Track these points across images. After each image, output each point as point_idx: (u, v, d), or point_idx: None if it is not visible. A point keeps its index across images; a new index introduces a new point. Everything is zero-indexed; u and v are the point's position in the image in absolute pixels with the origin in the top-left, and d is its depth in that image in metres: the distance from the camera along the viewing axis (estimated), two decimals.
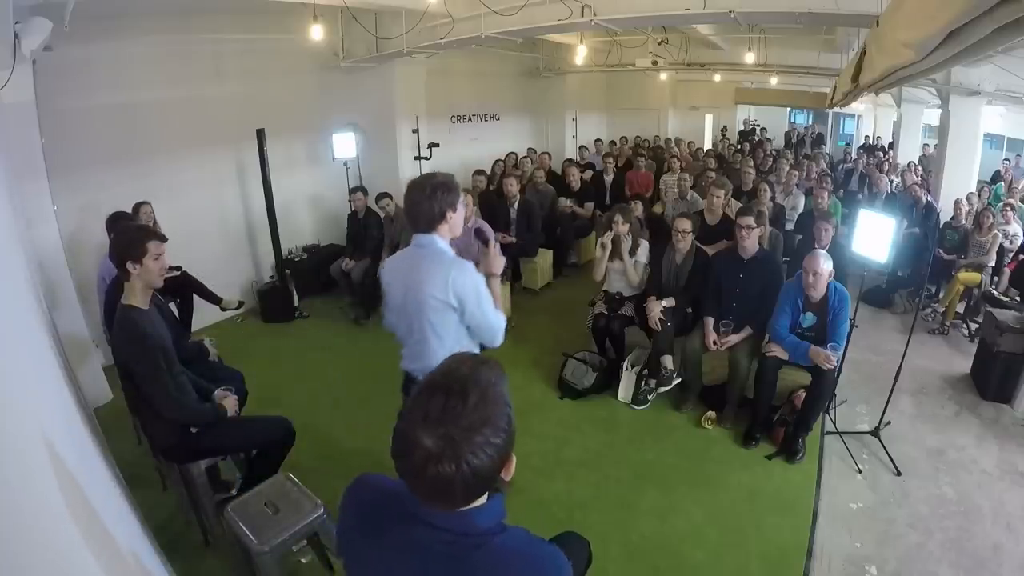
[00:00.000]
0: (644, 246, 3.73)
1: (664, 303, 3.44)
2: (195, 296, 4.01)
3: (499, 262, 1.95)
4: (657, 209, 6.10)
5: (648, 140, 11.21)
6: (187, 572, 2.20)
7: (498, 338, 1.89)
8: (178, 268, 3.70)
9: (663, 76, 10.58)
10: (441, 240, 1.83)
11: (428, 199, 1.77)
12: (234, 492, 2.42)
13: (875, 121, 14.65)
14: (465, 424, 0.76)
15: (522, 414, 3.20)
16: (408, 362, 2.00)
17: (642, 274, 3.70)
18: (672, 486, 2.79)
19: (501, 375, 0.85)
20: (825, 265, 2.89)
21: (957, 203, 5.42)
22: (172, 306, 3.53)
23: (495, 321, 1.85)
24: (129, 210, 3.57)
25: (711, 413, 3.29)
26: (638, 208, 4.84)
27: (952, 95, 6.10)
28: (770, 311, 3.13)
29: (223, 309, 4.10)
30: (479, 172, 6.00)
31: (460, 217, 1.86)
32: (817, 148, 11.85)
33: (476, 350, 1.91)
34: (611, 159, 7.36)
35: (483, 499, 0.86)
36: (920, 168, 8.09)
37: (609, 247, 3.67)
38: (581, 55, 6.58)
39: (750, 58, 6.90)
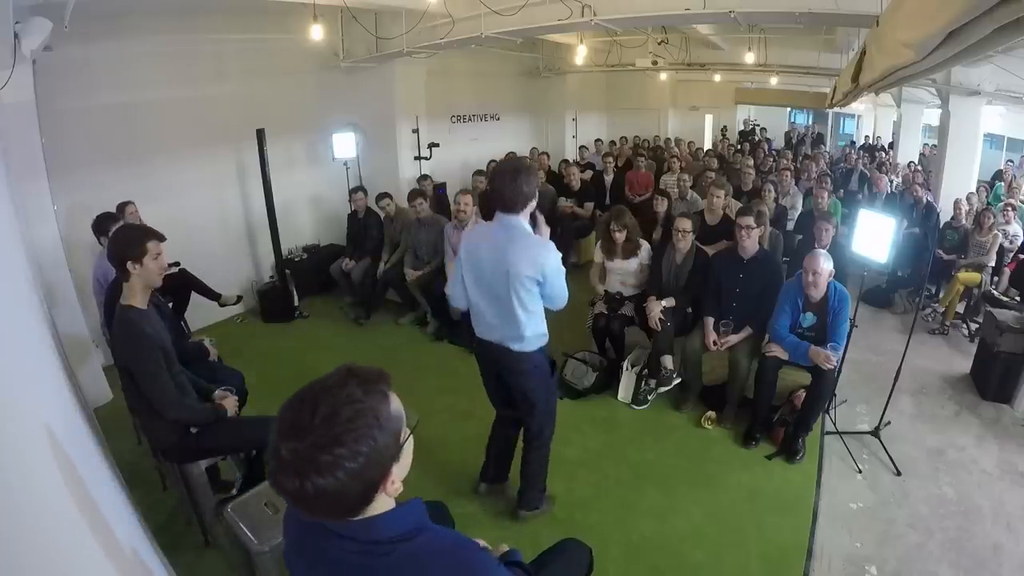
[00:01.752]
0: (645, 247, 3.73)
1: (664, 303, 3.44)
2: (194, 295, 4.02)
3: (545, 231, 2.16)
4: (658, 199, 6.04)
5: (648, 140, 11.22)
6: (187, 572, 2.19)
7: (564, 303, 2.13)
8: (176, 264, 3.71)
9: (663, 76, 10.58)
10: (524, 222, 2.04)
11: (520, 183, 1.97)
12: (234, 492, 2.42)
13: (875, 121, 14.67)
14: (310, 441, 0.72)
15: None
16: (483, 331, 2.22)
17: (645, 274, 3.70)
18: (672, 486, 2.79)
19: (375, 393, 0.78)
20: (825, 265, 2.89)
21: (957, 203, 5.42)
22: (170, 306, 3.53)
23: (565, 290, 2.11)
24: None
25: (711, 413, 3.29)
26: (662, 204, 4.84)
27: (952, 95, 6.10)
28: (770, 311, 3.13)
29: (222, 305, 4.11)
30: (479, 172, 5.99)
31: (533, 204, 2.06)
32: (817, 148, 11.85)
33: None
34: (611, 159, 7.36)
35: (385, 505, 0.83)
36: (920, 168, 8.09)
37: (603, 258, 3.75)
38: (581, 55, 6.58)
39: (750, 58, 6.90)
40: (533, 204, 2.05)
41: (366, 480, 0.77)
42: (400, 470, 0.83)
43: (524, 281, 2.03)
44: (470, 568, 0.86)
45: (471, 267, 2.15)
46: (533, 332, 2.16)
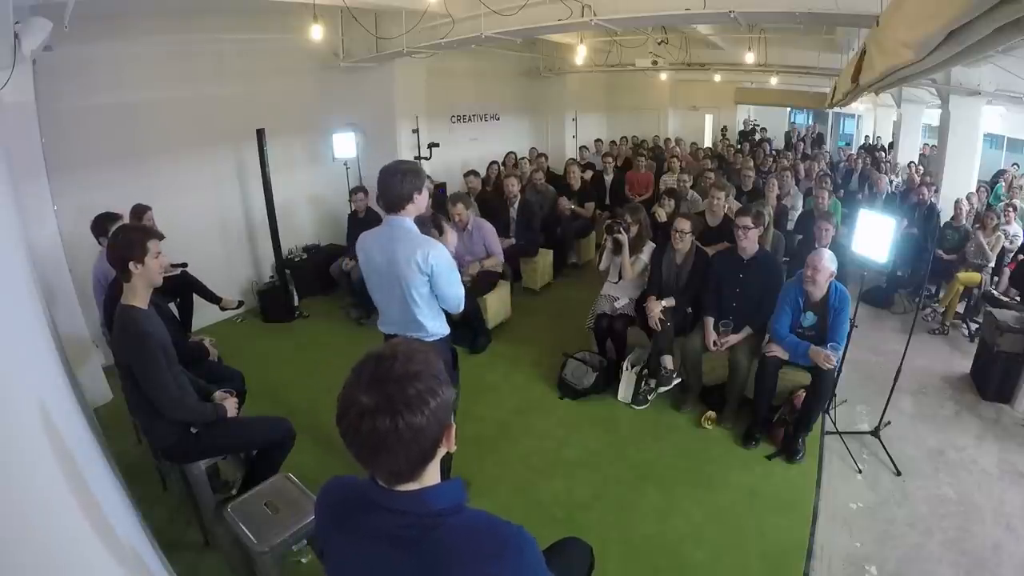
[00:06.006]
0: (649, 246, 3.73)
1: (664, 303, 3.44)
2: (195, 296, 4.01)
3: (450, 238, 2.35)
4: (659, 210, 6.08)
5: (648, 140, 11.22)
6: (187, 572, 2.20)
7: (459, 305, 2.23)
8: (184, 264, 3.71)
9: (663, 76, 10.57)
10: (409, 220, 2.11)
11: (400, 184, 2.05)
12: (234, 492, 2.42)
13: (875, 121, 14.65)
14: (395, 377, 0.81)
15: (522, 414, 3.24)
16: (386, 326, 2.32)
17: (639, 271, 3.70)
18: (672, 486, 2.79)
19: (432, 352, 0.89)
20: (828, 265, 2.89)
21: (957, 203, 5.42)
22: (172, 306, 3.53)
23: (460, 291, 2.20)
24: (122, 211, 3.56)
25: (711, 413, 3.29)
26: (664, 211, 4.84)
27: (952, 95, 6.10)
28: (770, 311, 3.13)
29: (222, 309, 4.11)
30: (471, 173, 5.92)
31: (424, 199, 2.15)
32: (817, 148, 11.84)
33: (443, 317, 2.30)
34: (611, 159, 7.36)
35: (434, 477, 0.89)
36: (920, 168, 8.10)
37: (609, 246, 3.72)
38: (581, 55, 6.58)
39: (750, 58, 6.89)
40: (419, 203, 2.11)
41: (441, 421, 0.84)
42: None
43: (413, 277, 2.10)
44: (517, 543, 0.89)
45: (369, 270, 2.24)
46: (432, 323, 2.25)
